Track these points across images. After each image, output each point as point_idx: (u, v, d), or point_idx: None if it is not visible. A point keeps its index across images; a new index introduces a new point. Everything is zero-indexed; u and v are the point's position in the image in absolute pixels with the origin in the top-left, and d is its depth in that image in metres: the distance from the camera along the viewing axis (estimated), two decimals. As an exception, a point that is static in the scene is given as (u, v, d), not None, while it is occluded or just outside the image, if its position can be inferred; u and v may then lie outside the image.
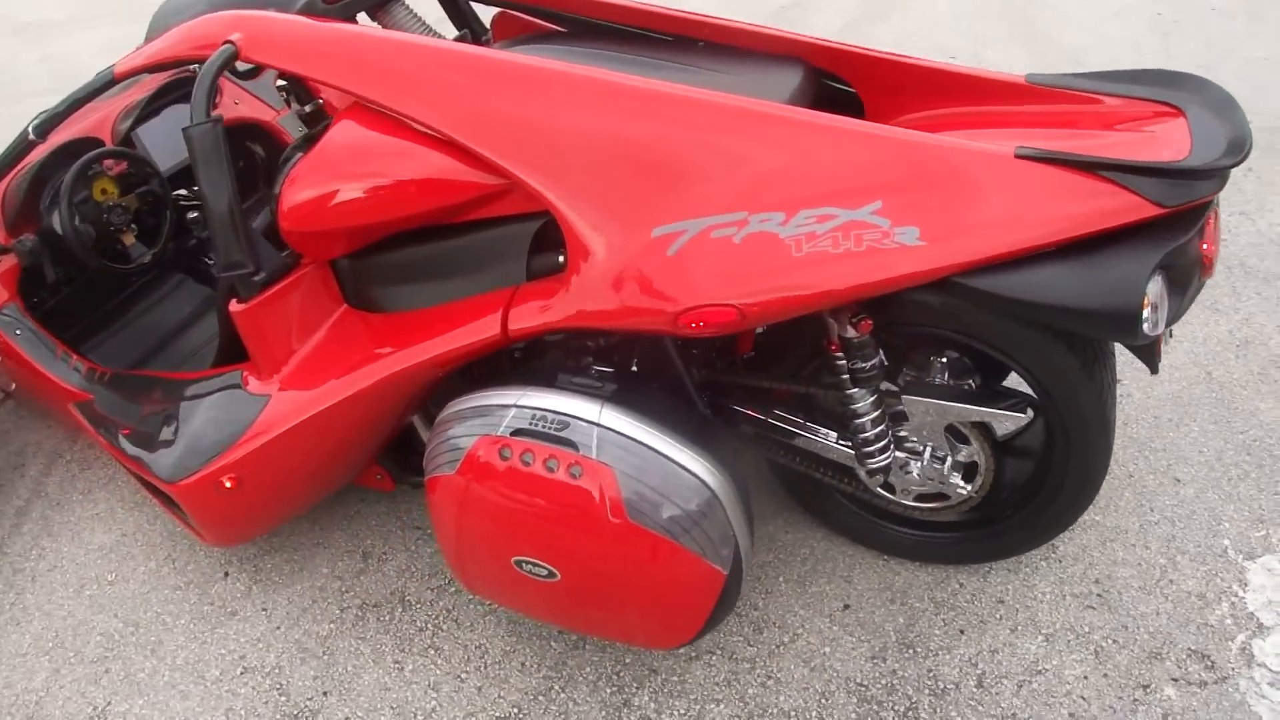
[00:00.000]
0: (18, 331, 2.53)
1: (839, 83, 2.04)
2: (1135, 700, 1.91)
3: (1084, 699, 1.92)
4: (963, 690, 1.96)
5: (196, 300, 2.86)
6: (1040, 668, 1.98)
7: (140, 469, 2.18)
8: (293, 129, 3.21)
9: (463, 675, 2.09)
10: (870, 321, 1.72)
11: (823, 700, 1.97)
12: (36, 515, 2.67)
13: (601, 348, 1.99)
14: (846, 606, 2.13)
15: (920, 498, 2.04)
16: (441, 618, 2.21)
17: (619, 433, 1.67)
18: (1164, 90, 1.69)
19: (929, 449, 1.94)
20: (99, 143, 2.69)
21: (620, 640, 1.91)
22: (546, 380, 1.82)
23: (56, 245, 2.58)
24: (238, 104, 3.10)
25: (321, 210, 1.88)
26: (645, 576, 1.70)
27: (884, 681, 1.99)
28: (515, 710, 2.02)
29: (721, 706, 1.98)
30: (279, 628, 2.25)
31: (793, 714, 1.95)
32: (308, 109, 2.22)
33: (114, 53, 3.44)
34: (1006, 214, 1.49)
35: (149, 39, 2.39)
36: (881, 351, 1.81)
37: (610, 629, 1.87)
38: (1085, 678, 1.95)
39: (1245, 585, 2.07)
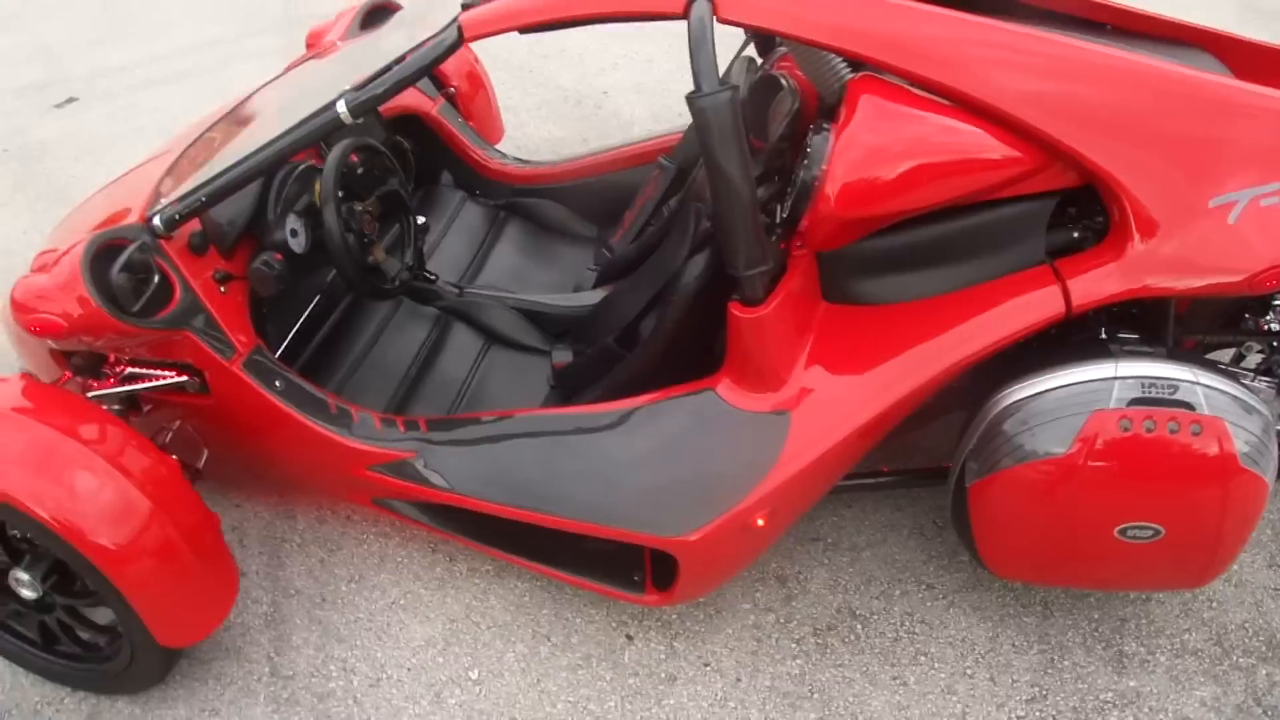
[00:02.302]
0: (277, 383, 1.73)
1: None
2: None
3: None
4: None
5: (428, 324, 2.14)
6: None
7: (596, 530, 1.59)
8: (450, 118, 2.52)
9: (969, 672, 1.79)
10: None
11: (1257, 607, 1.93)
12: (301, 620, 1.87)
13: None
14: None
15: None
16: (907, 623, 1.87)
17: (1213, 387, 1.52)
18: None
19: None
20: None
21: (1151, 589, 1.76)
22: (1090, 348, 1.60)
23: (298, 267, 1.80)
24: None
25: (877, 193, 1.48)
26: (1240, 513, 1.56)
27: (1291, 582, 1.99)
28: (1037, 690, 1.76)
29: (1191, 634, 1.87)
30: (739, 680, 1.77)
31: (1246, 625, 1.89)
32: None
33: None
34: None
35: None
36: None
37: (1162, 579, 1.70)
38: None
39: None
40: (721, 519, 1.51)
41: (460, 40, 1.54)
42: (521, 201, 2.58)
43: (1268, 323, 1.78)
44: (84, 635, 1.72)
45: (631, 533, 1.57)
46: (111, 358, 1.80)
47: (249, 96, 2.12)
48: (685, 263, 1.68)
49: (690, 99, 1.40)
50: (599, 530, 1.58)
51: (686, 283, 1.64)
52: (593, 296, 2.20)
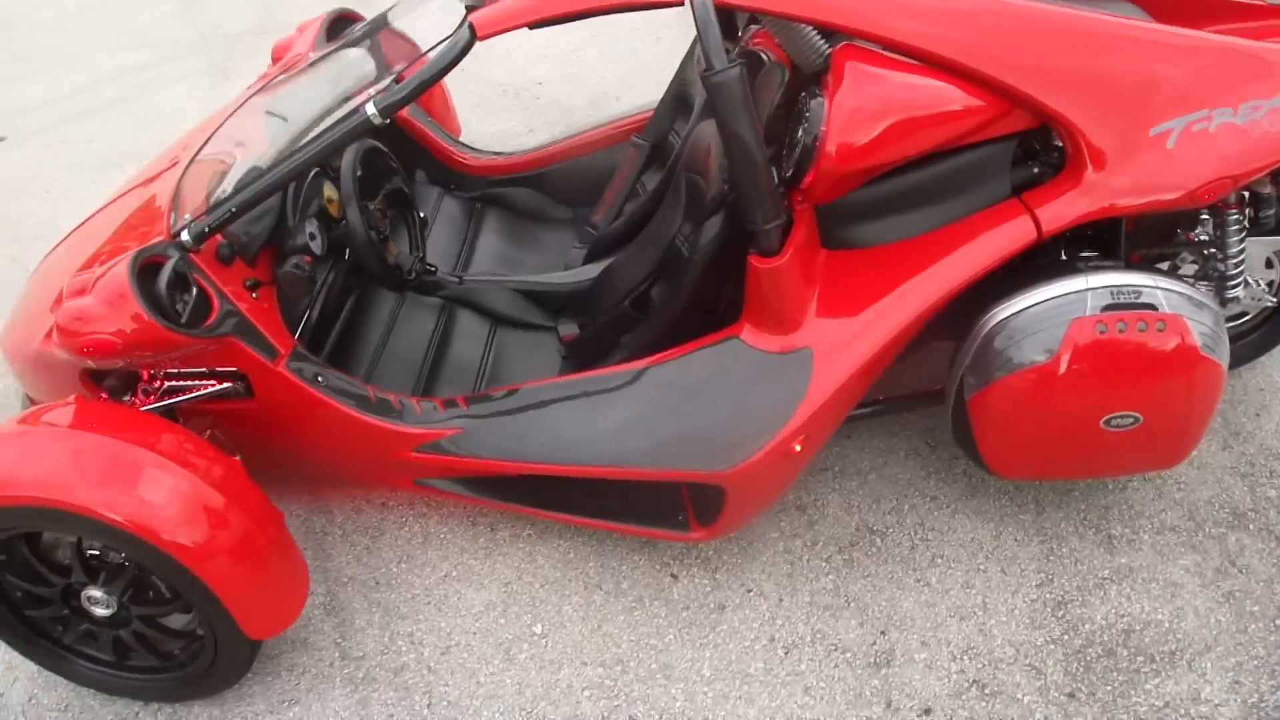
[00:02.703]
0: (319, 379, 1.83)
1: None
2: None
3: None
4: None
5: (434, 313, 2.25)
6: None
7: (647, 474, 1.75)
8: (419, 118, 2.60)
9: (981, 568, 2.01)
10: None
11: (1219, 484, 2.17)
12: (360, 604, 1.98)
13: None
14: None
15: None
16: (920, 532, 2.08)
17: (1170, 289, 1.77)
18: None
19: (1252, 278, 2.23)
20: None
21: (1136, 473, 2.01)
22: (1061, 267, 1.83)
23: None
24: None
25: (870, 146, 1.68)
26: (1204, 396, 1.81)
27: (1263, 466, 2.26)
28: (1044, 576, 2.00)
29: (1167, 514, 2.11)
30: (781, 600, 1.95)
31: (1212, 501, 2.13)
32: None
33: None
34: None
35: None
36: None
37: (1141, 462, 1.95)
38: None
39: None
40: (765, 449, 1.68)
41: (474, 39, 1.64)
42: (497, 192, 2.70)
43: (1196, 235, 2.04)
44: (160, 645, 1.77)
45: (681, 473, 1.73)
46: (145, 375, 1.86)
47: (234, 110, 2.18)
48: (699, 227, 1.84)
49: (704, 76, 1.56)
50: (650, 474, 1.74)
51: (703, 245, 1.80)
52: (589, 272, 2.34)
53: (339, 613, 1.96)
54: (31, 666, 1.91)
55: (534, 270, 2.48)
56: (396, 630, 1.92)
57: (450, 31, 1.70)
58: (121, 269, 1.64)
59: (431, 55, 1.67)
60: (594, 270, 2.33)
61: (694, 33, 2.20)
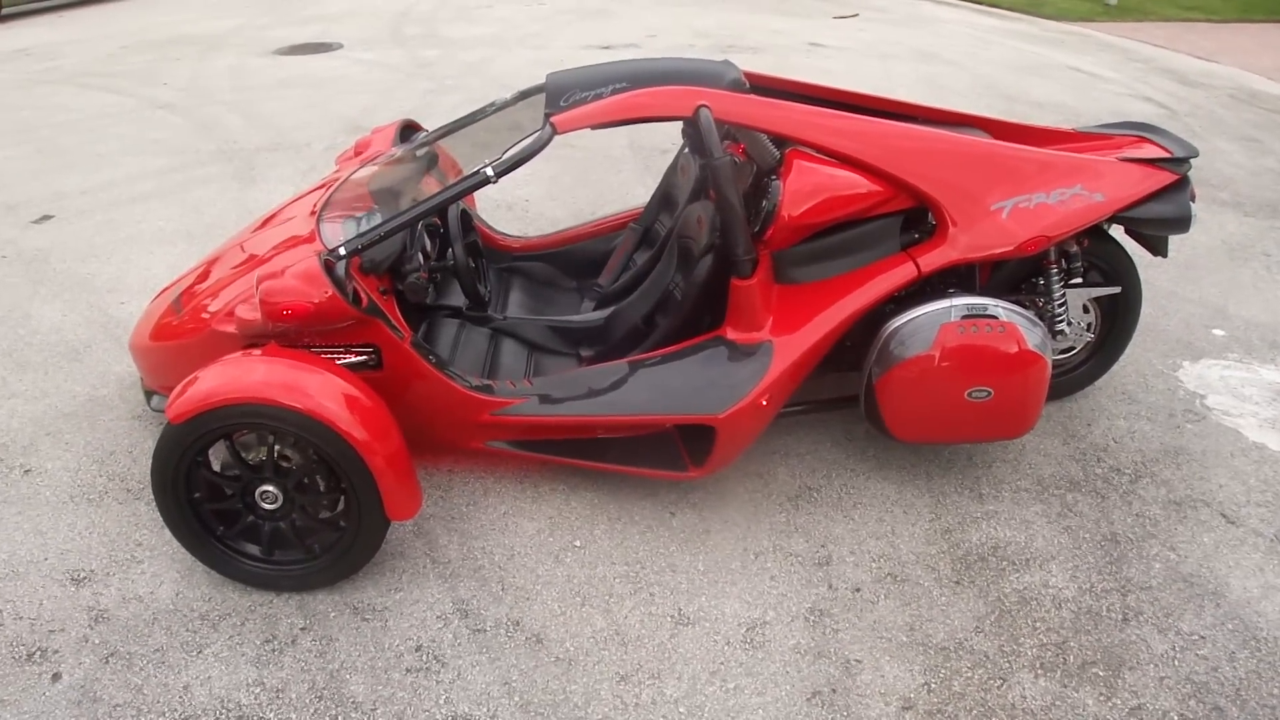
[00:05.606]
0: (431, 358, 2.81)
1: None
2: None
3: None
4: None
5: (485, 339, 3.25)
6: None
7: (649, 419, 2.76)
8: (460, 204, 3.72)
9: (890, 510, 3.04)
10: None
11: (1060, 466, 3.33)
12: (441, 530, 2.84)
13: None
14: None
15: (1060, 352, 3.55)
16: (844, 489, 3.12)
17: (1008, 308, 2.95)
18: (1129, 130, 3.54)
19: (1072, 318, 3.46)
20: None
21: (996, 439, 3.11)
22: (936, 295, 3.01)
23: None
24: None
25: (810, 212, 2.85)
26: (1034, 381, 2.94)
27: (1092, 455, 3.44)
28: (933, 515, 3.03)
29: (1021, 481, 3.24)
30: (750, 527, 2.93)
31: (1054, 475, 3.29)
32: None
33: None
34: (1125, 184, 3.15)
35: (549, 99, 2.90)
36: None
37: (998, 429, 3.03)
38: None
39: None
40: (744, 401, 2.72)
41: (554, 133, 2.76)
42: (519, 265, 3.79)
43: (1034, 292, 3.28)
44: (307, 537, 2.60)
45: (687, 416, 2.74)
46: (295, 351, 2.78)
47: (345, 179, 3.24)
48: (691, 273, 2.94)
49: (708, 160, 2.72)
50: (665, 419, 2.74)
51: (697, 277, 2.90)
52: (601, 314, 3.42)
53: (426, 536, 2.82)
54: (176, 571, 2.69)
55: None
56: (471, 546, 2.80)
57: (536, 129, 2.83)
58: (313, 262, 2.61)
59: (524, 143, 2.77)
60: (604, 313, 3.40)
61: (646, 164, 3.41)
